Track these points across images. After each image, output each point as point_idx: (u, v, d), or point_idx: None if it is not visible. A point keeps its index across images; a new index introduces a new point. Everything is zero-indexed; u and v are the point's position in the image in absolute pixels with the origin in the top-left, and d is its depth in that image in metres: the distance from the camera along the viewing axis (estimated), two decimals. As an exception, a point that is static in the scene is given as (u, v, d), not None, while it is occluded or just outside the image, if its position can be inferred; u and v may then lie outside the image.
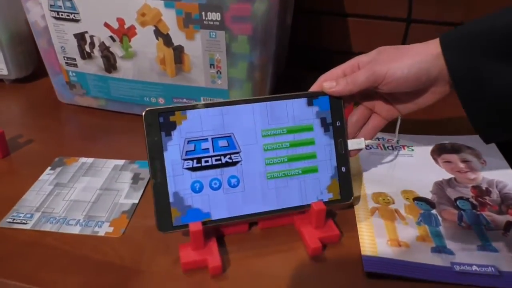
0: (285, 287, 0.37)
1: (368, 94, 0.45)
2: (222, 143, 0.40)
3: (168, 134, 0.39)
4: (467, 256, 0.39)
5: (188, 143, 0.39)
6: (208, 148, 0.40)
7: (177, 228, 0.39)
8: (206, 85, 0.57)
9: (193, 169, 0.39)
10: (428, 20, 0.70)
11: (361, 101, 0.45)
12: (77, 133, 0.62)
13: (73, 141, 0.60)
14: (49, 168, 0.52)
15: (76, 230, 0.43)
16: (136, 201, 0.47)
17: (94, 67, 0.60)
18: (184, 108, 0.39)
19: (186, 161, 0.39)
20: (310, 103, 0.42)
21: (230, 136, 0.40)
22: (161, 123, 0.39)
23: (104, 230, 0.43)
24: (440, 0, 0.68)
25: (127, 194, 0.48)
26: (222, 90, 0.57)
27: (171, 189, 0.39)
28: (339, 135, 0.43)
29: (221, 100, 0.41)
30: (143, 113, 0.38)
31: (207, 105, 0.40)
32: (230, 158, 0.40)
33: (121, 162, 0.53)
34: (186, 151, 0.39)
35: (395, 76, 0.39)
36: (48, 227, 0.43)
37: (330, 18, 0.75)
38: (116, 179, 0.50)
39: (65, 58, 0.61)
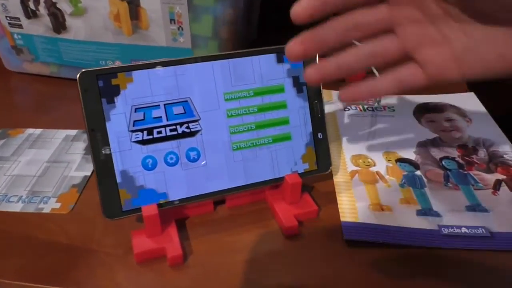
0: (258, 272, 0.32)
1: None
2: (177, 109, 0.34)
3: (111, 101, 0.32)
4: (455, 218, 0.35)
5: (136, 111, 0.33)
6: (160, 117, 0.34)
7: (128, 213, 0.33)
8: (167, 44, 0.51)
9: (143, 142, 0.33)
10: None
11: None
12: (26, 103, 0.56)
13: (21, 112, 0.53)
14: (-10, 140, 0.46)
15: (17, 207, 0.37)
16: (89, 173, 0.41)
17: (41, 27, 0.54)
18: (129, 69, 0.33)
19: (134, 133, 0.33)
20: (280, 60, 0.37)
21: (186, 101, 0.34)
22: (101, 87, 0.32)
23: (50, 206, 0.38)
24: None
25: (79, 166, 0.42)
26: (185, 49, 0.51)
27: (117, 167, 0.33)
28: (315, 96, 0.38)
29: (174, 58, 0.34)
30: (77, 76, 0.31)
31: (156, 64, 0.33)
32: (187, 127, 0.34)
33: (73, 132, 0.47)
34: (134, 121, 0.33)
35: None
36: (-16, 206, 0.38)
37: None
38: (67, 150, 0.45)
39: (8, 18, 0.54)
